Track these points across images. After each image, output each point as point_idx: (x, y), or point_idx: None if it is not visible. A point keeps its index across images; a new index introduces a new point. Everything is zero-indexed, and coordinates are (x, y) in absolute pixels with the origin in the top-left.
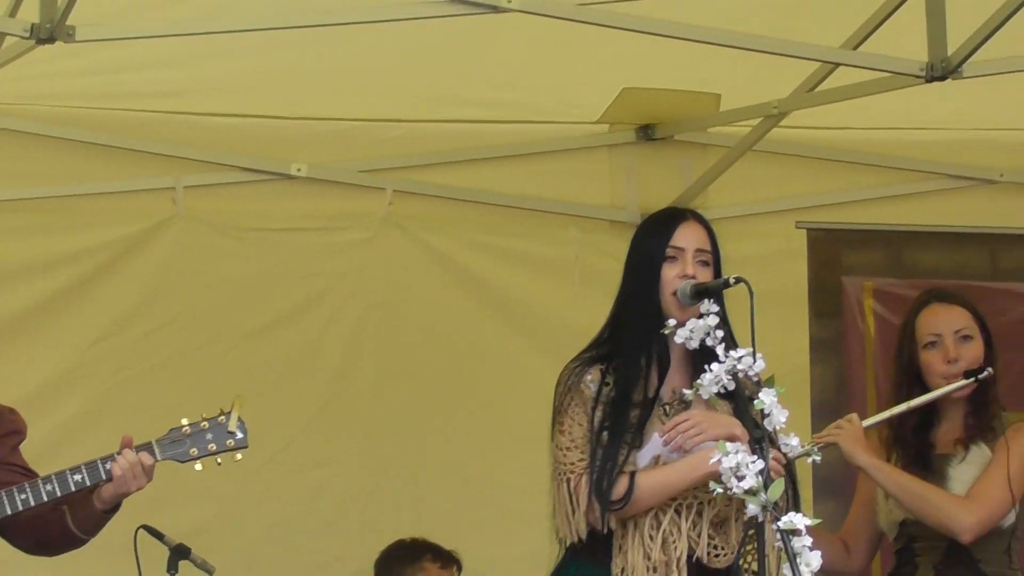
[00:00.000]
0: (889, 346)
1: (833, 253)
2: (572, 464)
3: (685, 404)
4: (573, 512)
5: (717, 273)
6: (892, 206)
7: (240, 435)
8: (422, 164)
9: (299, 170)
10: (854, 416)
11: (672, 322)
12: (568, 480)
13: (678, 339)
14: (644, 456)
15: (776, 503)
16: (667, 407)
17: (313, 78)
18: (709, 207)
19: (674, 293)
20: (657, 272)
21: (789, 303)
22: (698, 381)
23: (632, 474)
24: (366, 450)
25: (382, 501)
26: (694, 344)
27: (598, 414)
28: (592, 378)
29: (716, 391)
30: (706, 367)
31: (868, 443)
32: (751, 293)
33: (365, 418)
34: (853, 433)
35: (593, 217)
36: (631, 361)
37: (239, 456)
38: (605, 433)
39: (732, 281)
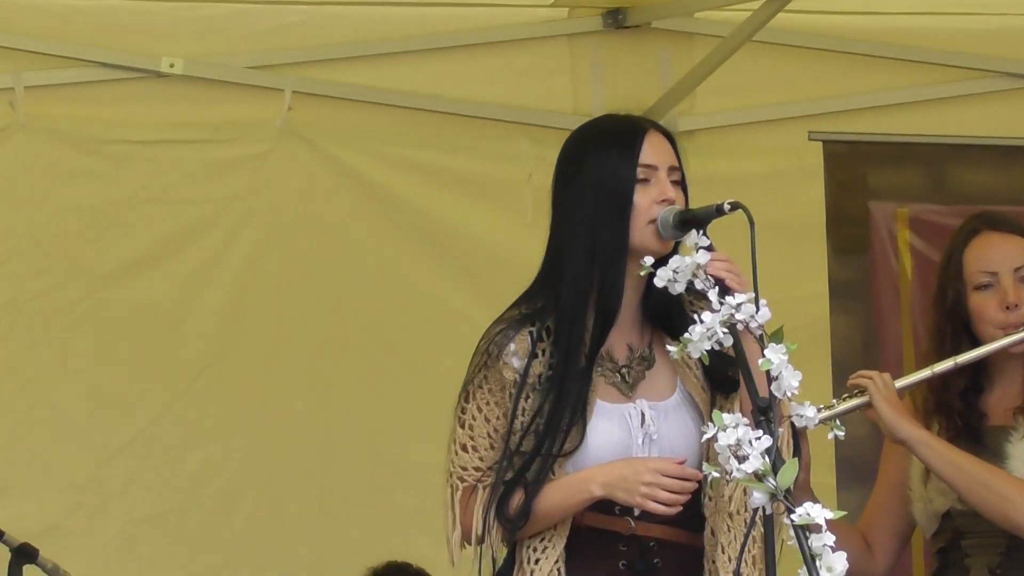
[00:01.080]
0: (929, 288)
1: (857, 173)
2: (463, 470)
3: (646, 363)
4: (452, 529)
5: (686, 193)
6: (931, 112)
7: None
8: (329, 58)
9: (172, 66)
10: (886, 376)
11: (649, 260)
12: (453, 489)
13: (658, 281)
14: (584, 461)
15: (788, 490)
16: (624, 370)
17: None
18: (697, 113)
19: (652, 222)
20: (628, 196)
21: (801, 236)
22: (686, 335)
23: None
24: (260, 424)
25: (281, 488)
26: (679, 287)
27: (524, 404)
28: (517, 348)
29: (708, 347)
30: (696, 316)
31: (905, 410)
32: (751, 223)
33: (259, 383)
34: (888, 395)
35: (550, 126)
36: (576, 317)
37: None
38: (532, 436)
39: (727, 208)
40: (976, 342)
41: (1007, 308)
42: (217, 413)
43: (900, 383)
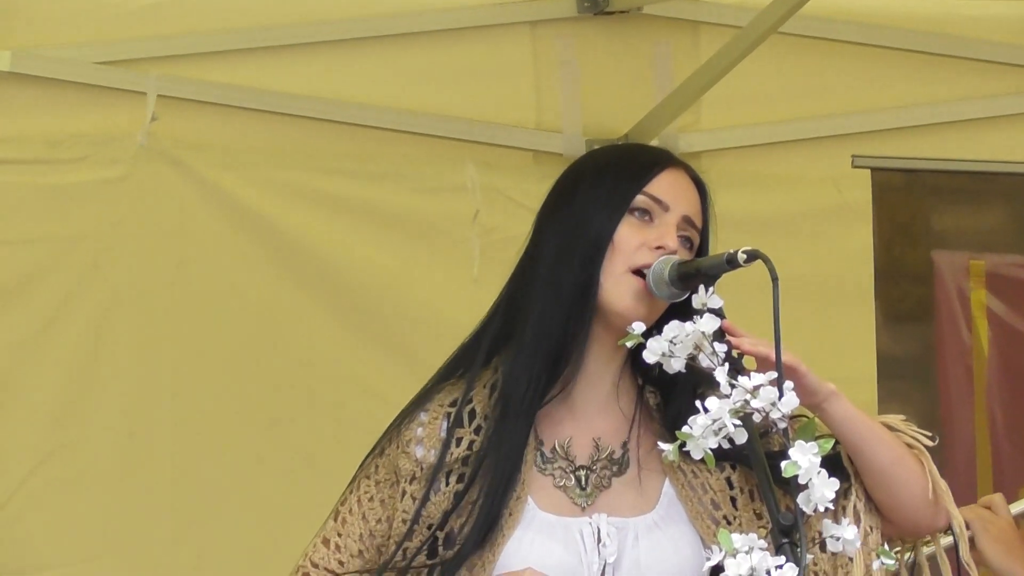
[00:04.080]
0: (1015, 367)
1: (917, 212)
2: (313, 566)
3: (615, 467)
4: None
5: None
6: (1019, 133)
7: None
8: (209, 51)
9: None
10: (997, 499)
11: (638, 326)
12: None
13: (648, 357)
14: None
15: None
16: (582, 473)
17: None
18: (703, 130)
19: (639, 271)
20: (608, 226)
21: (841, 297)
22: (685, 428)
23: None
24: (116, 504)
25: None
26: (677, 364)
27: (427, 511)
28: (425, 434)
29: (714, 445)
30: (699, 403)
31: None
32: (774, 279)
33: (115, 455)
34: (1002, 532)
35: (505, 145)
36: (524, 391)
37: None
38: (422, 555)
39: (742, 258)
40: None
41: None
42: (62, 495)
43: (1016, 508)
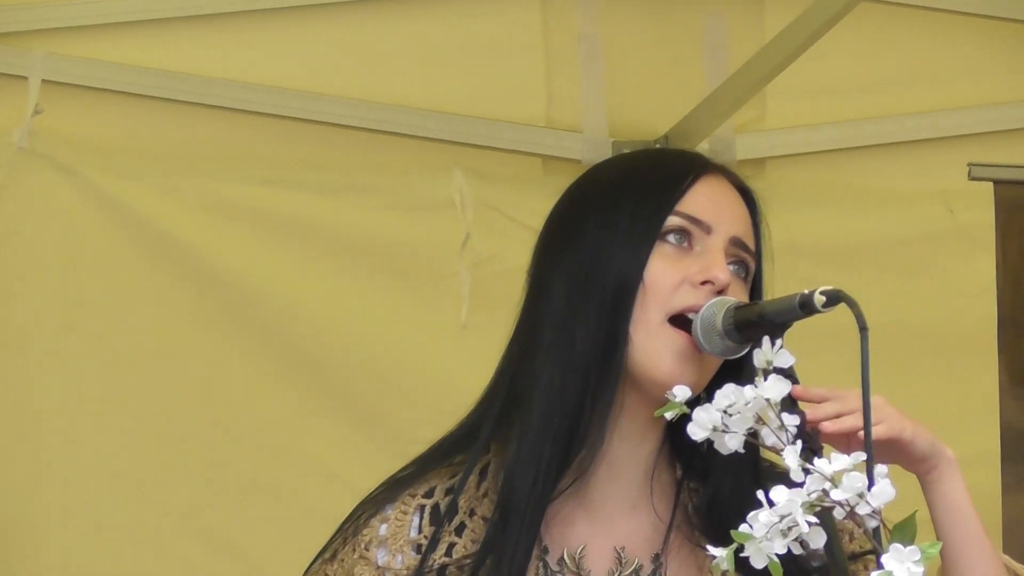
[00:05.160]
0: None
1: None
2: None
3: None
4: None
5: (758, 294)
6: None
7: None
8: (103, 24)
9: None
10: None
11: (681, 392)
12: None
13: (695, 433)
14: None
15: None
16: None
17: None
18: (768, 129)
19: (678, 319)
20: (636, 266)
21: (954, 350)
22: (743, 527)
23: None
24: None
25: None
26: (732, 444)
27: None
28: (390, 534)
29: (781, 550)
30: (761, 494)
31: None
32: (862, 328)
33: None
34: None
35: (505, 149)
36: (532, 487)
37: None
38: None
39: (820, 302)
40: None
41: None
42: None
43: None
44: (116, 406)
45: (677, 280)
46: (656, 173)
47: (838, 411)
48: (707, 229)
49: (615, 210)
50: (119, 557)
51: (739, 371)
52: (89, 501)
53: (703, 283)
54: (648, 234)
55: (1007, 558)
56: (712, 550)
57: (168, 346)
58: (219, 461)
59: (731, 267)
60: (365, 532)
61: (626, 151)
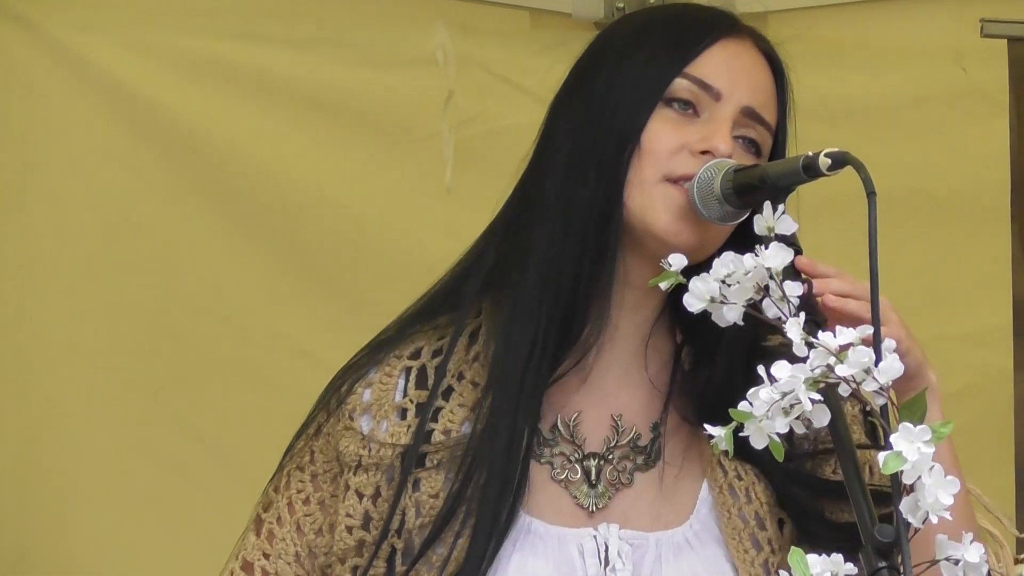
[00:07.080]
0: None
1: None
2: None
3: (639, 457)
4: None
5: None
6: None
7: None
8: None
9: None
10: None
11: (677, 260)
12: None
13: (692, 303)
14: None
15: None
16: (593, 463)
17: None
18: None
19: (675, 181)
20: (635, 124)
21: (965, 217)
22: (743, 405)
23: None
24: None
25: None
26: (731, 315)
27: (374, 511)
28: (375, 399)
29: (784, 429)
30: (760, 370)
31: None
32: (870, 193)
33: None
34: None
35: (492, 2)
36: (527, 360)
37: None
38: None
39: (825, 164)
40: None
41: None
42: None
43: None
44: (71, 276)
45: (675, 146)
46: (673, 29)
47: (845, 290)
48: (716, 95)
49: (626, 66)
50: (76, 439)
51: (739, 241)
52: (43, 376)
53: (702, 152)
54: (651, 95)
55: (977, 490)
56: (710, 429)
57: (128, 211)
58: (189, 335)
59: (739, 141)
60: (349, 401)
61: (620, 4)
